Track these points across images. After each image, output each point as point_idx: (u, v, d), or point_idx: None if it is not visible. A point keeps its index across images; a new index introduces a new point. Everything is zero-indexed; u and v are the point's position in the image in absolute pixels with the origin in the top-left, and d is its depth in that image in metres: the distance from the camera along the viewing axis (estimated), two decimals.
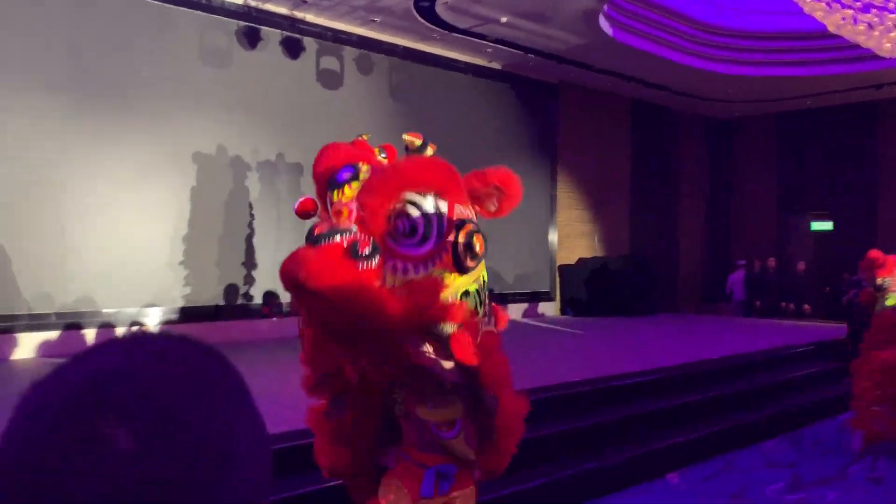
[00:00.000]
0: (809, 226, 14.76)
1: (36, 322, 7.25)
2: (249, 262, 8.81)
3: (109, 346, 0.56)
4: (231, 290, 8.67)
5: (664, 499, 5.00)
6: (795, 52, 11.76)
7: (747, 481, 5.41)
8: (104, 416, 0.50)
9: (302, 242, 7.93)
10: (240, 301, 8.68)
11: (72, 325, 7.39)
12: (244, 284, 8.79)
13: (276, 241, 8.98)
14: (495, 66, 11.44)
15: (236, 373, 0.59)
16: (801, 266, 13.32)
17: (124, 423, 0.50)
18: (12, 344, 7.10)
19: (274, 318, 8.50)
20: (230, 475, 0.53)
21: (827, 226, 14.50)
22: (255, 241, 8.86)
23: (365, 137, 7.73)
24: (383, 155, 7.73)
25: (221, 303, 8.51)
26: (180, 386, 0.53)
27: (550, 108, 12.31)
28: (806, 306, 12.71)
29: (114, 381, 0.52)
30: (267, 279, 8.89)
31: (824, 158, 14.20)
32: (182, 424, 0.51)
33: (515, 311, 11.66)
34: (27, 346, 7.16)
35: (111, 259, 7.65)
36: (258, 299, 8.84)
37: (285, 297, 9.05)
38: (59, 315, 7.38)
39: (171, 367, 0.54)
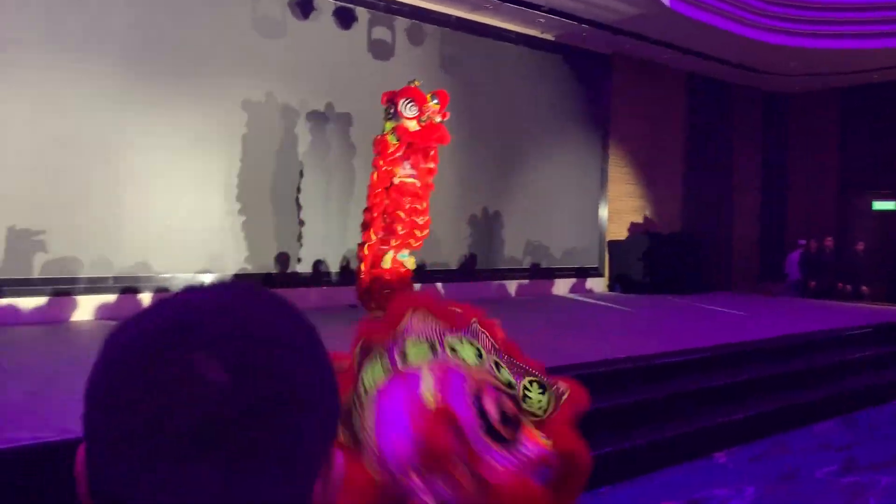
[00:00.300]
0: (871, 205, 14.27)
1: (94, 285, 7.47)
2: (300, 232, 8.92)
3: (190, 291, 0.60)
4: (282, 258, 8.80)
5: (711, 477, 4.95)
6: (863, 24, 11.31)
7: (798, 463, 5.32)
8: (196, 351, 0.53)
9: (349, 219, 7.83)
10: (290, 269, 8.81)
11: (128, 289, 7.60)
12: (295, 253, 8.92)
13: (325, 214, 9.08)
14: (548, 37, 11.26)
15: (306, 318, 0.62)
16: (861, 246, 12.91)
17: (215, 357, 0.53)
18: (72, 306, 7.34)
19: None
20: (310, 411, 0.56)
21: (890, 205, 14.00)
22: (306, 212, 8.96)
23: (417, 84, 7.69)
24: (435, 101, 7.67)
25: (273, 271, 8.64)
26: (268, 324, 0.57)
27: (603, 81, 12.09)
28: (864, 288, 12.34)
29: (201, 319, 0.55)
30: (316, 249, 9.00)
31: (890, 135, 13.66)
32: (269, 360, 0.55)
33: (563, 287, 11.59)
34: (86, 308, 7.40)
35: (166, 226, 7.83)
36: (308, 268, 8.97)
37: (334, 266, 9.18)
38: (116, 279, 7.60)
39: (257, 307, 0.58)
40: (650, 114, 12.82)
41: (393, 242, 7.07)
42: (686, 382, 5.98)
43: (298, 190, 8.93)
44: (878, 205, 14.19)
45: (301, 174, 8.94)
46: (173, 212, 7.90)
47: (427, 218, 7.25)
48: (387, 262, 7.11)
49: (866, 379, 7.39)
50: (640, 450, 5.02)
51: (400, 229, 7.02)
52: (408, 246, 7.19)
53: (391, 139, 7.03)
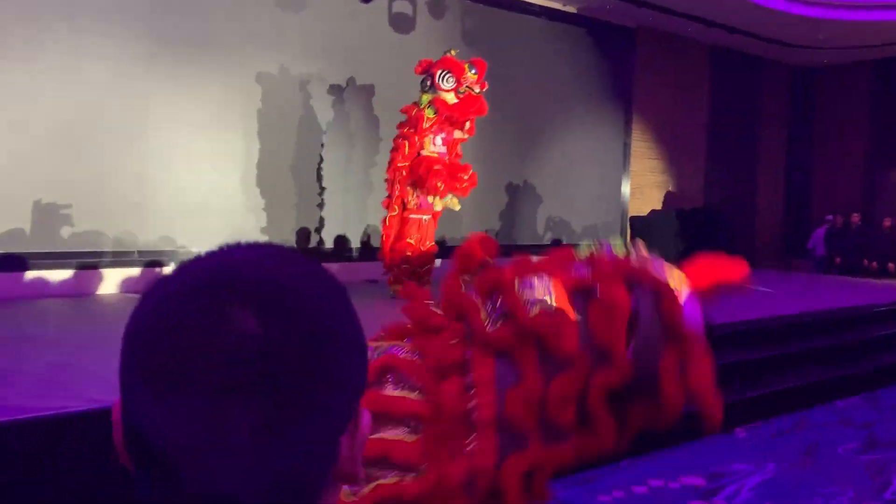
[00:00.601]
0: None
1: (119, 259, 7.57)
2: (321, 207, 8.95)
3: (234, 246, 0.62)
4: (303, 232, 8.85)
5: (731, 453, 4.94)
6: None
7: (819, 439, 5.30)
8: (232, 298, 0.55)
9: (371, 194, 7.84)
10: (311, 244, 8.86)
11: (152, 262, 7.69)
12: (316, 228, 8.96)
13: (346, 189, 9.10)
14: (570, 9, 11.11)
15: (334, 275, 0.64)
16: (888, 223, 12.71)
17: (250, 306, 0.54)
18: (98, 279, 7.44)
19: None
20: (341, 366, 0.58)
21: None
22: (327, 186, 8.98)
23: (453, 53, 7.53)
24: (473, 71, 7.50)
25: (294, 245, 8.70)
26: (299, 279, 0.59)
27: (627, 54, 11.92)
28: (891, 265, 12.16)
29: (236, 273, 0.57)
30: (337, 224, 9.04)
31: None
32: (301, 313, 0.56)
33: None
34: (111, 281, 7.50)
35: (190, 200, 7.88)
36: (329, 243, 9.01)
37: (355, 241, 9.21)
38: (141, 253, 7.69)
39: (288, 264, 0.60)
40: (674, 88, 12.64)
41: (439, 185, 6.97)
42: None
43: (319, 164, 8.94)
44: None
45: (322, 149, 8.94)
46: (195, 186, 7.95)
47: (468, 164, 7.23)
48: (437, 205, 7.13)
49: (890, 356, 7.32)
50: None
51: (439, 184, 6.94)
52: (455, 191, 7.16)
53: (429, 113, 6.91)
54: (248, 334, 0.53)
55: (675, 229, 11.57)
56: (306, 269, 0.61)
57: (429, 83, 7.00)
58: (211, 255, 0.61)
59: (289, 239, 8.67)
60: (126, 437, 0.57)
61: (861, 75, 14.12)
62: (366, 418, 0.62)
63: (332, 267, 8.55)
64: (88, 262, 7.39)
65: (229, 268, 0.58)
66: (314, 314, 0.57)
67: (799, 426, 5.61)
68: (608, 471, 4.42)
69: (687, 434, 5.08)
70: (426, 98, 6.99)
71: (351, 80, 9.09)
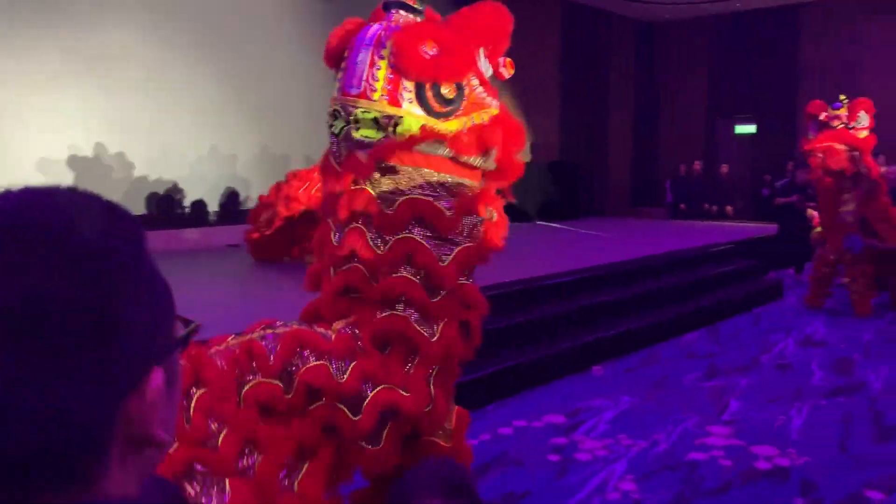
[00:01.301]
0: (734, 129, 15.10)
1: None
2: (176, 169, 8.53)
3: (15, 191, 0.58)
4: (155, 197, 8.42)
5: (589, 389, 5.23)
6: None
7: (667, 371, 5.70)
8: None
9: (228, 156, 7.56)
10: (165, 209, 8.45)
11: None
12: (169, 192, 8.54)
13: (200, 151, 8.71)
14: None
15: (137, 227, 0.61)
16: (724, 169, 13.67)
17: (10, 242, 0.52)
18: None
19: None
20: (114, 324, 0.54)
21: (751, 129, 14.84)
22: (182, 146, 8.55)
23: None
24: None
25: (145, 211, 8.26)
26: (77, 228, 0.55)
27: None
28: (728, 208, 13.11)
29: (8, 215, 0.55)
30: (194, 187, 8.65)
31: (749, 61, 14.39)
32: (64, 265, 0.53)
33: None
34: None
35: (24, 165, 7.28)
36: (185, 208, 8.63)
37: (212, 206, 8.86)
38: None
39: (70, 211, 0.56)
40: (527, 43, 12.87)
41: None
42: (565, 303, 6.23)
43: (173, 124, 8.48)
44: (740, 128, 15.02)
45: (175, 108, 8.47)
46: (30, 151, 7.36)
47: None
48: None
49: (728, 292, 7.94)
50: (523, 368, 5.23)
51: None
52: None
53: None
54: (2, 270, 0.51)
55: (537, 184, 11.94)
56: (89, 218, 0.57)
57: None
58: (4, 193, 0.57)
59: (139, 204, 8.23)
60: None
61: (700, 30, 14.98)
62: (155, 381, 0.58)
63: (192, 233, 8.24)
64: None
65: (12, 204, 0.55)
66: (84, 267, 0.54)
67: (649, 361, 6.00)
68: (475, 415, 4.55)
69: (548, 375, 5.32)
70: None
71: (199, 34, 8.60)
